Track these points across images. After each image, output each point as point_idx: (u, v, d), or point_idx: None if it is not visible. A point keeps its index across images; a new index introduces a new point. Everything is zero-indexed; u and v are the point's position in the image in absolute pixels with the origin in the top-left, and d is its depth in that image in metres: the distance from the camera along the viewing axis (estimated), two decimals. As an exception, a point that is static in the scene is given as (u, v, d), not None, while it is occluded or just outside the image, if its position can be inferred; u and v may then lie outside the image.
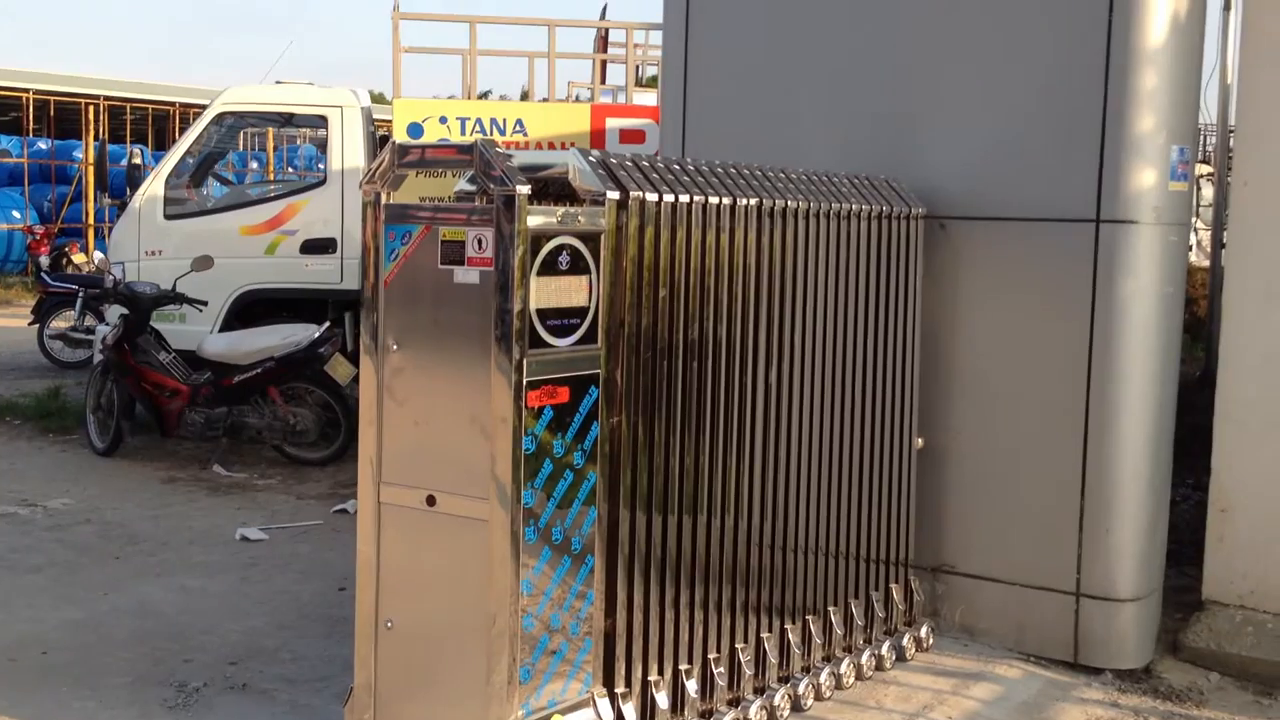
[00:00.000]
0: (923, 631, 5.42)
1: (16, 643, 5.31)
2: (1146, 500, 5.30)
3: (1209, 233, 10.54)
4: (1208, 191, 12.34)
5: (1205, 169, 13.23)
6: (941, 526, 5.57)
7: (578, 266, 3.86)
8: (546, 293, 3.76)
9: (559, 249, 3.79)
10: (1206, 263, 10.31)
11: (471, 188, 4.25)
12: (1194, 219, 11.48)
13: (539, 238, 3.73)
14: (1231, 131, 7.73)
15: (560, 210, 3.83)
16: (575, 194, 3.97)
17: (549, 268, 3.77)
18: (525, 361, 3.71)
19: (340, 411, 8.80)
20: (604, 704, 4.02)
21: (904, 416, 5.39)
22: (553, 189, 4.04)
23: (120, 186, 11.72)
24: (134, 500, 7.83)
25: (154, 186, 10.04)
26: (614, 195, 3.96)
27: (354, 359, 8.68)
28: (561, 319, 3.82)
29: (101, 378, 9.17)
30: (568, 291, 3.84)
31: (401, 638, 3.93)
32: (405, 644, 3.93)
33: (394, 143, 3.98)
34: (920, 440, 5.49)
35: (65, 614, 5.69)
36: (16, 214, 22.85)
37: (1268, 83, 5.38)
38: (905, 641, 5.33)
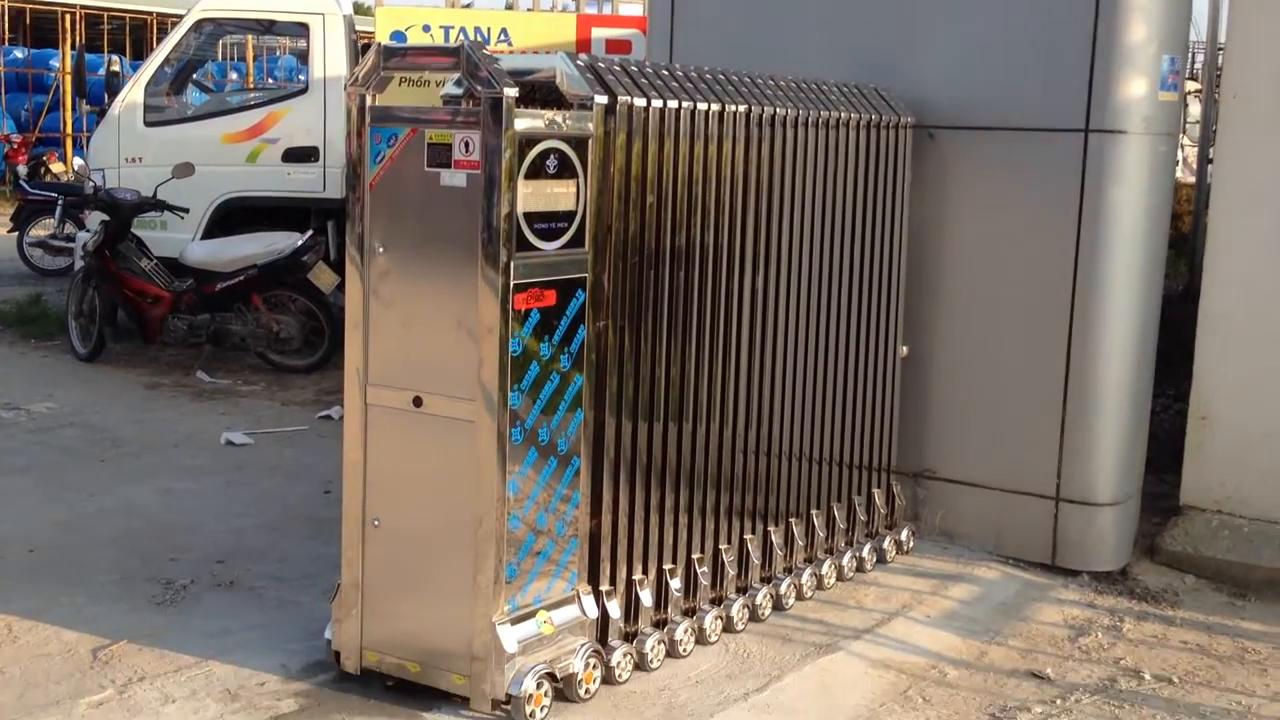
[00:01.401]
0: (903, 535, 5.50)
1: (3, 541, 5.34)
2: (1128, 406, 5.36)
3: (1195, 149, 10.51)
4: (1195, 108, 12.31)
5: (1193, 85, 13.19)
6: (924, 433, 5.63)
7: (565, 170, 3.85)
8: (534, 196, 3.75)
9: (547, 153, 3.78)
10: (1192, 179, 10.30)
11: (458, 91, 4.21)
12: (1181, 135, 11.47)
13: (527, 141, 3.71)
14: (1220, 48, 7.69)
15: (548, 114, 3.80)
16: (563, 99, 3.94)
17: (536, 171, 3.75)
18: (512, 264, 3.71)
19: (324, 319, 8.78)
20: (589, 601, 4.08)
21: (889, 324, 5.42)
22: (540, 94, 4.01)
23: (99, 95, 11.57)
24: (118, 405, 7.84)
25: (134, 93, 9.92)
26: (602, 100, 3.94)
27: (337, 268, 8.65)
28: (549, 223, 3.82)
29: (83, 284, 9.12)
30: (555, 195, 3.83)
31: (388, 537, 3.97)
32: (392, 543, 3.97)
33: (379, 44, 3.94)
34: (905, 348, 5.52)
35: (51, 514, 5.72)
36: (-7, 123, 22.55)
37: (1259, -9, 5.36)
38: (886, 544, 5.40)
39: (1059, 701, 4.25)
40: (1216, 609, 5.16)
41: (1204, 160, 9.28)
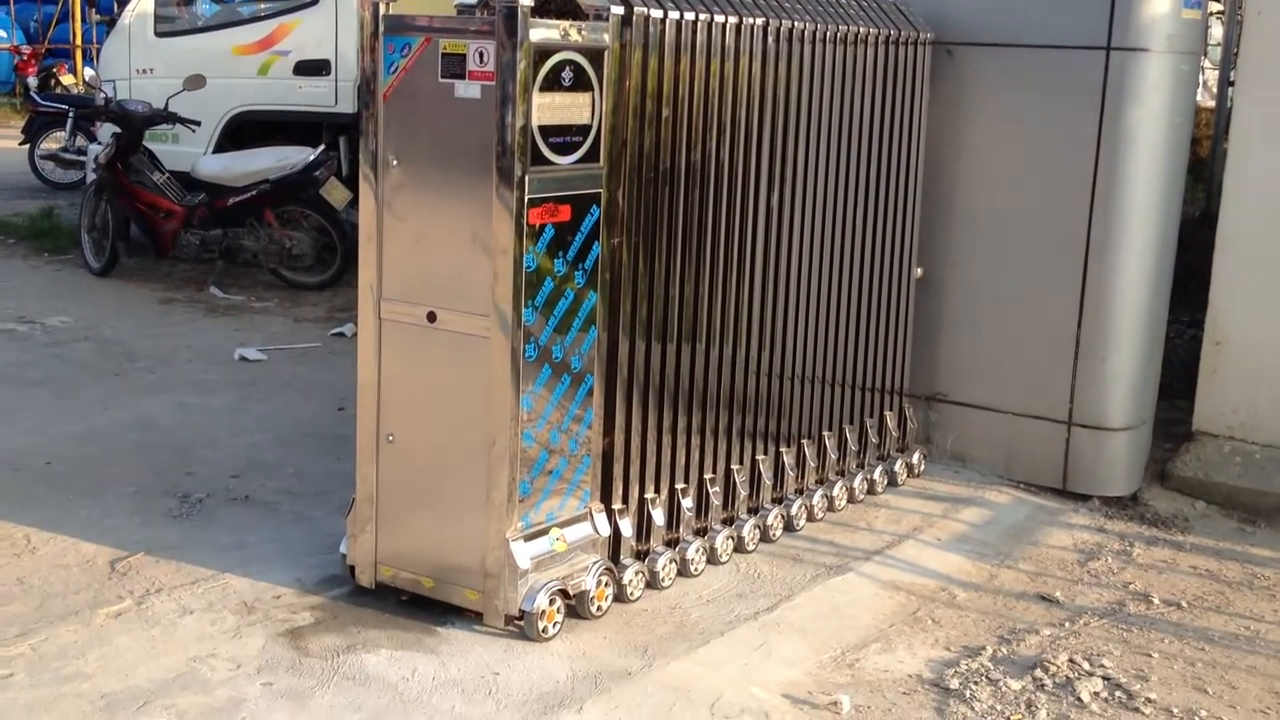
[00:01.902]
0: (915, 458, 5.51)
1: (19, 453, 5.38)
2: (1143, 330, 5.33)
3: (1216, 72, 10.35)
4: (1217, 31, 12.12)
5: (1215, 6, 12.96)
6: (937, 356, 5.61)
7: (581, 83, 3.79)
8: (549, 109, 3.71)
9: (562, 64, 3.72)
10: (1212, 103, 10.16)
11: (473, 1, 4.15)
12: (1202, 57, 11.28)
13: (542, 52, 3.66)
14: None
15: (564, 25, 3.75)
16: (579, 9, 3.87)
17: (552, 84, 3.70)
18: (527, 179, 3.67)
19: (336, 236, 8.74)
20: (601, 518, 4.10)
21: (904, 245, 5.38)
22: (556, 4, 3.95)
23: (109, 4, 11.47)
24: (132, 319, 7.85)
25: (144, 3, 9.82)
26: (618, 10, 3.88)
27: (350, 183, 8.61)
28: (564, 136, 3.77)
29: (95, 197, 9.09)
30: (570, 108, 3.78)
31: (402, 452, 3.98)
32: (406, 458, 3.98)
33: (393, -50, 3.87)
34: (920, 270, 5.49)
35: (67, 427, 5.75)
36: (3, 34, 22.38)
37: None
38: (897, 467, 5.41)
39: (1068, 624, 4.27)
40: (1226, 535, 5.17)
41: (1224, 84, 9.14)
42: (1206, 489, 5.42)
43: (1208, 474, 5.44)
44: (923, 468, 5.53)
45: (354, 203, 6.19)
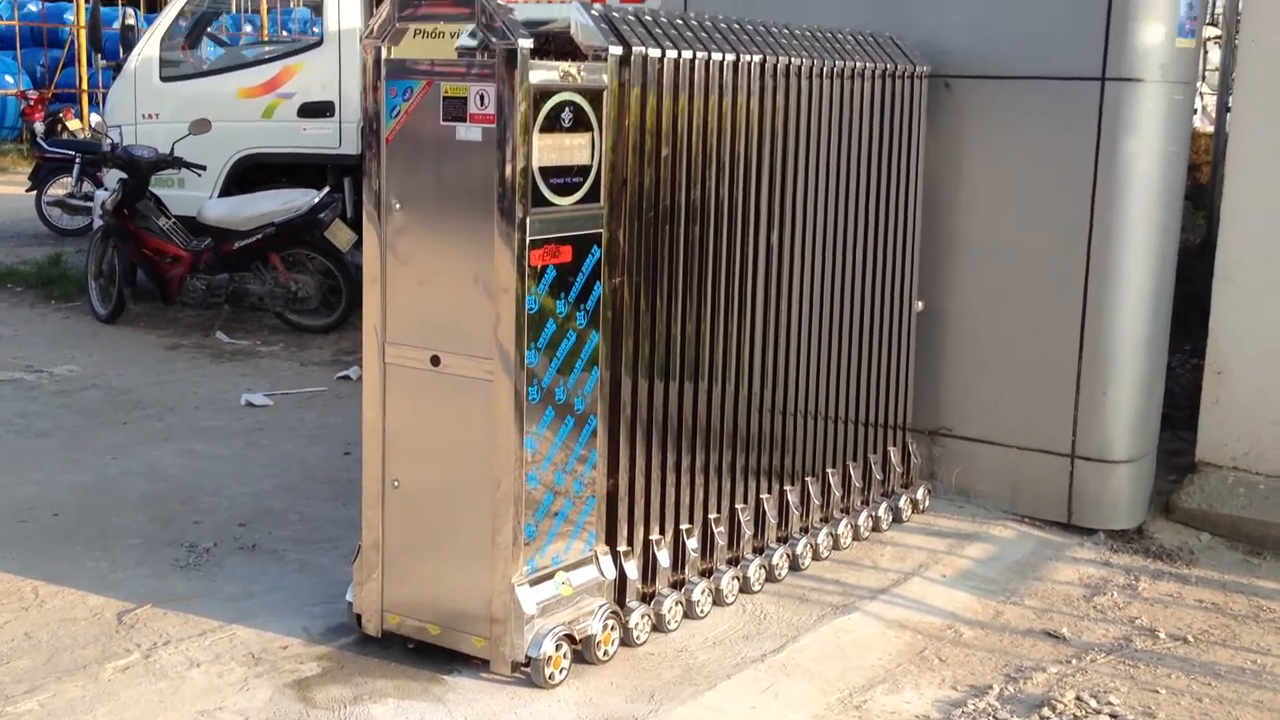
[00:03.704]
0: (919, 494, 5.50)
1: (27, 504, 5.39)
2: (1144, 362, 5.33)
3: (1214, 97, 10.39)
4: (1214, 55, 12.15)
5: (1212, 32, 13.02)
6: (940, 390, 5.61)
7: (580, 124, 3.82)
8: (549, 150, 3.73)
9: (562, 105, 3.75)
10: (1211, 128, 10.19)
11: (473, 43, 4.19)
12: (1200, 84, 11.32)
13: (542, 94, 3.69)
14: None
15: (563, 66, 3.78)
16: (577, 50, 3.92)
17: (552, 125, 3.73)
18: (528, 220, 3.69)
19: (341, 278, 8.78)
20: (606, 561, 4.09)
21: (904, 279, 5.39)
22: (554, 45, 3.99)
23: (114, 50, 11.56)
24: (138, 366, 7.87)
25: (149, 48, 9.90)
26: (617, 50, 3.91)
27: (354, 225, 8.65)
28: (564, 177, 3.80)
29: (102, 244, 9.13)
30: (570, 149, 3.81)
31: (408, 497, 3.99)
32: (412, 503, 3.99)
33: (394, -5, 3.91)
34: (920, 303, 5.50)
35: (74, 477, 5.76)
36: (9, 79, 22.53)
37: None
38: (902, 503, 5.40)
39: (1074, 661, 4.26)
40: (1232, 567, 5.15)
41: (1223, 109, 9.17)
42: (1211, 520, 5.40)
43: (1212, 505, 5.42)
44: (927, 503, 5.52)
45: (358, 244, 6.23)
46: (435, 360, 3.88)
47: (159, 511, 5.34)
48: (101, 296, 9.18)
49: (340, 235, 8.69)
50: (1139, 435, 5.39)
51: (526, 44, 3.61)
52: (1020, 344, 5.41)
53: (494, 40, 3.63)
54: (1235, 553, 5.27)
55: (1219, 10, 11.82)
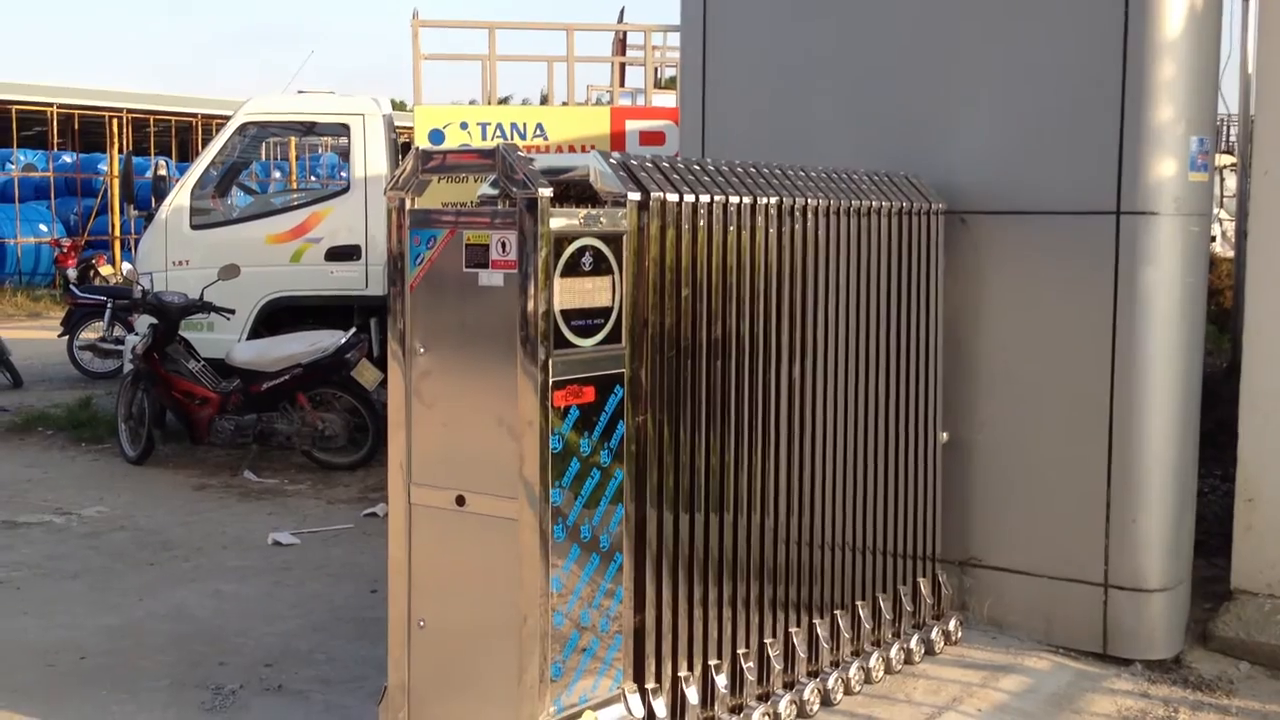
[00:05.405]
0: (951, 625, 5.44)
1: (55, 648, 5.39)
2: (1173, 489, 5.30)
3: (1234, 223, 10.48)
4: (1232, 182, 12.29)
5: (1229, 159, 13.18)
6: (968, 520, 5.59)
7: (601, 267, 3.90)
8: (570, 293, 3.81)
9: (582, 250, 3.84)
10: (1232, 253, 10.26)
11: (494, 191, 4.30)
12: (1218, 210, 11.43)
13: (562, 239, 3.77)
14: (1253, 121, 7.71)
15: (582, 212, 3.87)
16: (597, 196, 4.01)
17: (572, 269, 3.81)
18: (551, 361, 3.75)
19: (368, 416, 8.86)
20: (635, 700, 4.06)
21: (928, 411, 5.41)
22: (574, 191, 4.09)
23: (146, 198, 11.85)
24: (167, 507, 7.92)
25: (180, 197, 10.14)
26: (635, 196, 4.01)
27: (380, 364, 8.75)
28: (586, 319, 3.86)
29: (132, 387, 9.27)
30: (591, 292, 3.88)
31: (434, 637, 3.98)
32: (438, 643, 3.98)
33: (417, 149, 4.03)
34: (945, 435, 5.51)
35: (102, 619, 5.76)
36: (44, 227, 23.08)
37: (1287, 71, 5.38)
38: (934, 635, 5.34)
39: (1115, 794, 4.17)
40: (1273, 697, 5.05)
41: (1242, 234, 9.25)
42: (1250, 649, 5.32)
43: (1250, 634, 5.34)
44: (960, 635, 5.46)
45: (384, 383, 6.31)
46: (460, 500, 3.91)
47: (185, 653, 5.32)
48: (131, 438, 9.28)
49: (366, 374, 8.80)
50: (1172, 562, 5.34)
51: (546, 192, 3.71)
52: (1048, 473, 5.39)
53: (515, 190, 3.73)
54: (1276, 681, 5.17)
55: (1233, 139, 11.99)
